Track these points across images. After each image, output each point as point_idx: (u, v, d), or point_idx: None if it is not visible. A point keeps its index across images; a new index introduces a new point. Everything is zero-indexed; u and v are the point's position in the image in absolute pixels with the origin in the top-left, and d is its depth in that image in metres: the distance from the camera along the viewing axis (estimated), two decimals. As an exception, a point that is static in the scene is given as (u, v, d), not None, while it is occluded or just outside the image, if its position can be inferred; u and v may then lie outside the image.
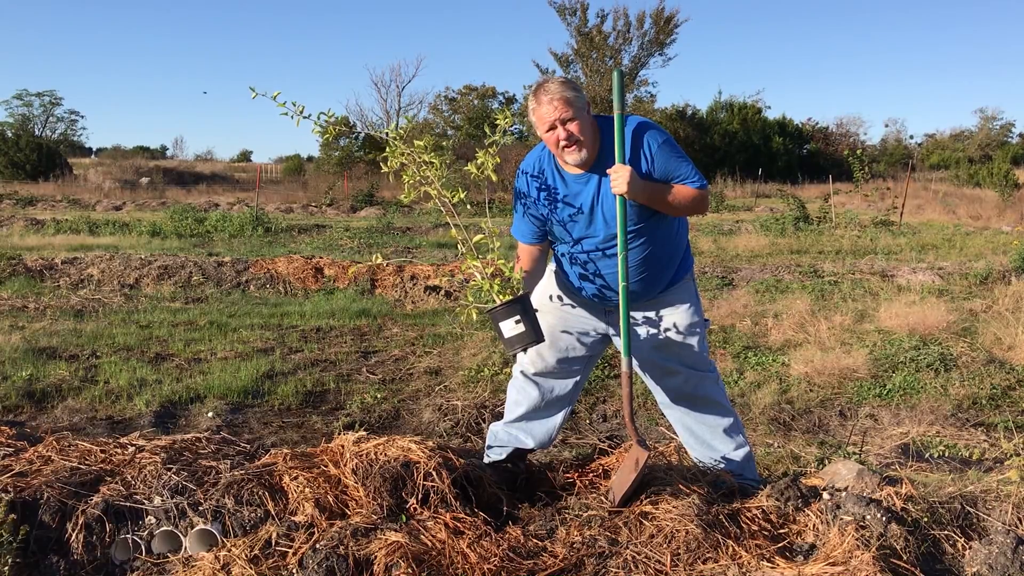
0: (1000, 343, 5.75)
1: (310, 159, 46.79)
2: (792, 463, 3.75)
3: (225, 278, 8.86)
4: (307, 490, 2.48)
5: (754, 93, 54.53)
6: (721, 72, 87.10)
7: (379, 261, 2.85)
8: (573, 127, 2.55)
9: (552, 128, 2.57)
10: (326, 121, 2.72)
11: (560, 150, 2.61)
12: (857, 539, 2.26)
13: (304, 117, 2.67)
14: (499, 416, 3.53)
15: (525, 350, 2.57)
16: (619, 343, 2.74)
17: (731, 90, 78.48)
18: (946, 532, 2.41)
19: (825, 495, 2.54)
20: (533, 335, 2.53)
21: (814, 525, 2.40)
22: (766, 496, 2.54)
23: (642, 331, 2.85)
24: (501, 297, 2.54)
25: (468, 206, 2.72)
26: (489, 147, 2.65)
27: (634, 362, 2.82)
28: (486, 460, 3.05)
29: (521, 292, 2.59)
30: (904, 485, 2.58)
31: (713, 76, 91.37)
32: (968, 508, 2.51)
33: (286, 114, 2.62)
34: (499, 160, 2.67)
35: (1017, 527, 2.41)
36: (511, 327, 2.51)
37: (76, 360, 5.54)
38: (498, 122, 2.72)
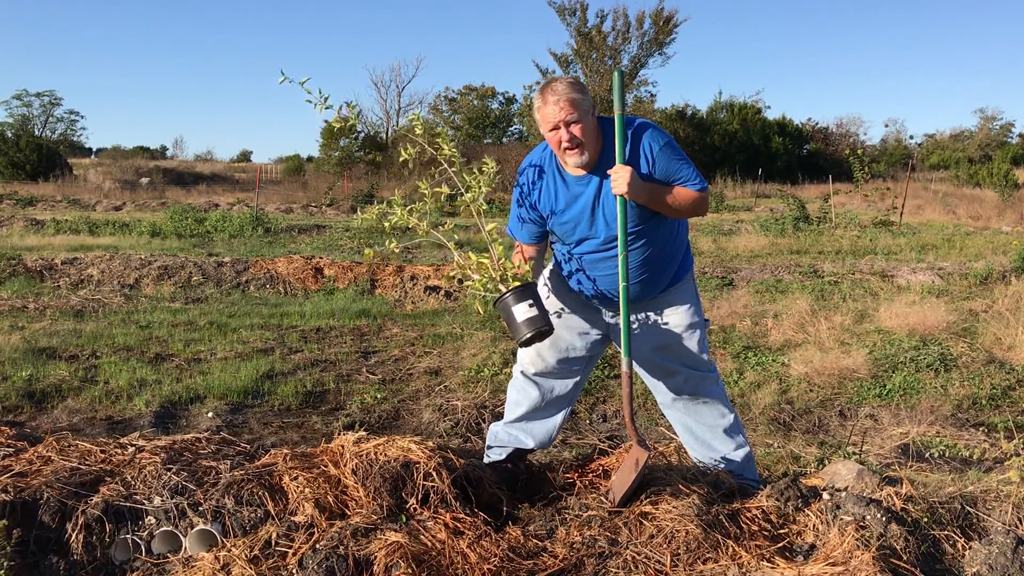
0: (1000, 343, 5.75)
1: (310, 159, 46.79)
2: (792, 463, 3.75)
3: (225, 278, 8.86)
4: (307, 490, 2.48)
5: (754, 93, 54.67)
6: (721, 72, 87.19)
7: (394, 246, 2.89)
8: (576, 129, 2.56)
9: (556, 128, 2.57)
10: (346, 113, 2.71)
11: (562, 152, 2.62)
12: (857, 539, 2.26)
13: (327, 107, 2.67)
14: (499, 416, 3.54)
15: (539, 336, 2.58)
16: (619, 343, 2.75)
17: (731, 90, 78.58)
18: (946, 532, 2.41)
19: (825, 495, 2.54)
20: (545, 320, 2.56)
21: (814, 525, 2.40)
22: (766, 496, 2.54)
23: (642, 331, 2.85)
24: (513, 283, 2.58)
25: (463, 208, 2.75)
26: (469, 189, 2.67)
27: (634, 362, 2.82)
28: (486, 460, 3.05)
29: (530, 280, 2.63)
30: (904, 485, 2.58)
31: (713, 76, 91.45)
32: (968, 508, 2.51)
33: (310, 101, 2.62)
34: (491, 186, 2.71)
35: (1017, 527, 2.41)
36: (525, 310, 2.54)
37: (76, 360, 5.54)
38: (485, 168, 2.73)
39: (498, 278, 2.61)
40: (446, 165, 2.72)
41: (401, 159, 2.77)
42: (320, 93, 2.62)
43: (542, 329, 2.55)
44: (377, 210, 2.81)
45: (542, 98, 2.57)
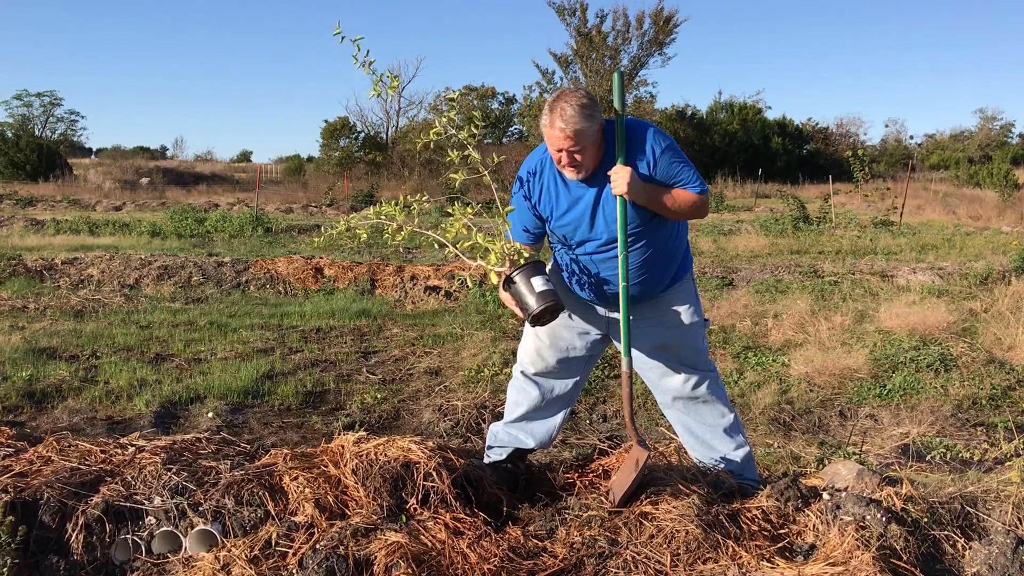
0: (1000, 343, 5.75)
1: (310, 159, 46.73)
2: (792, 463, 3.75)
3: (225, 278, 8.86)
4: (307, 490, 2.48)
5: (754, 93, 54.65)
6: (721, 72, 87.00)
7: (409, 231, 2.90)
8: (577, 156, 2.57)
9: (558, 150, 2.58)
10: (387, 83, 2.72)
11: (560, 166, 2.64)
12: (857, 539, 2.26)
13: (370, 73, 2.68)
14: (499, 416, 3.54)
15: (552, 311, 2.57)
16: (619, 343, 2.75)
17: (731, 90, 78.55)
18: (946, 532, 2.41)
19: (825, 495, 2.54)
20: (558, 296, 2.58)
21: (814, 525, 2.40)
22: (766, 496, 2.54)
23: (642, 331, 2.85)
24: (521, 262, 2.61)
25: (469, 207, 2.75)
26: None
27: (634, 362, 2.82)
28: (486, 460, 3.05)
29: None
30: (904, 485, 2.58)
31: (713, 76, 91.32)
32: (968, 508, 2.51)
33: (355, 57, 2.63)
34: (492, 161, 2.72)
35: (1017, 527, 2.41)
36: (540, 283, 2.56)
37: (76, 360, 5.54)
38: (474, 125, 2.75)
39: (513, 256, 2.63)
40: (471, 150, 2.73)
41: (431, 135, 2.77)
42: (368, 55, 2.64)
43: (556, 303, 2.55)
44: (337, 229, 2.88)
45: (549, 118, 2.55)
